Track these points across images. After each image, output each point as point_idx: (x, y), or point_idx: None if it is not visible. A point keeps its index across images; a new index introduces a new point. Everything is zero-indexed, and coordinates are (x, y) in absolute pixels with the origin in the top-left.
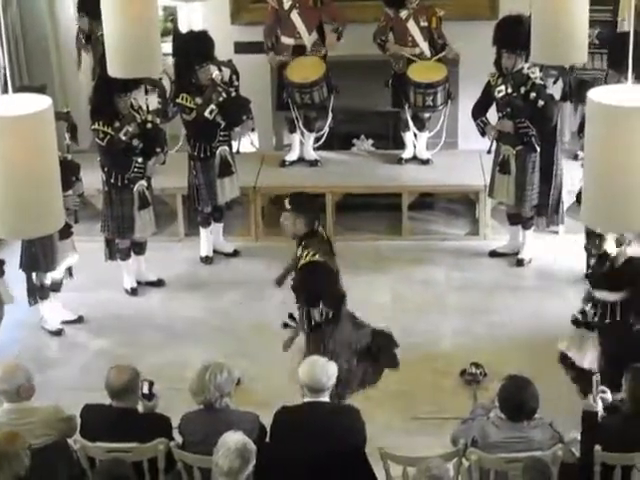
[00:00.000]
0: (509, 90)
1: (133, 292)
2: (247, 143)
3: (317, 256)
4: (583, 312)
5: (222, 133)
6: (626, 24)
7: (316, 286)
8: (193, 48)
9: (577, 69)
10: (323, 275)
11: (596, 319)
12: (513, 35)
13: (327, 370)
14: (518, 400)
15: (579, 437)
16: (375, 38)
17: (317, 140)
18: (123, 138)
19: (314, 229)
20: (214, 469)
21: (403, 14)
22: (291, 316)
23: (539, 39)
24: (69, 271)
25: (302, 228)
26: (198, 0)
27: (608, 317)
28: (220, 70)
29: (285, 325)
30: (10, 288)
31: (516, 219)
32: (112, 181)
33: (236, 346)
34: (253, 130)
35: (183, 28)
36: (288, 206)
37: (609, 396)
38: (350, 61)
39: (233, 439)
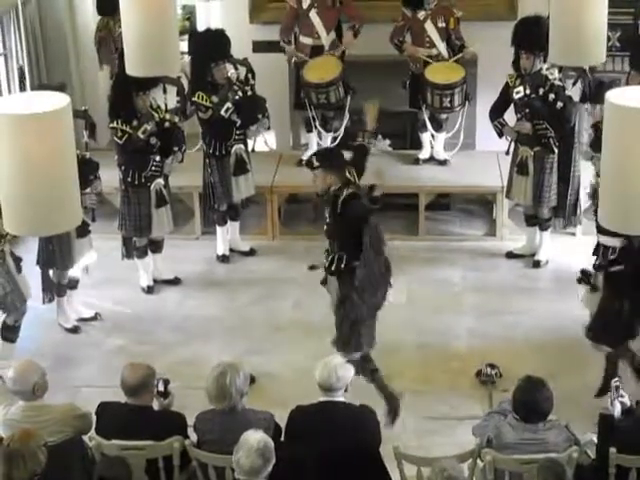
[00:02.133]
0: (527, 91)
1: (149, 290)
2: (261, 143)
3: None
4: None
5: (238, 132)
6: None
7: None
8: (209, 46)
9: (597, 70)
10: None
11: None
12: (532, 36)
13: (337, 371)
14: (531, 401)
15: (594, 439)
16: (392, 39)
17: (334, 140)
18: (141, 137)
19: (348, 179)
20: (235, 468)
21: (421, 15)
22: (312, 266)
23: (558, 40)
24: (87, 269)
25: (335, 181)
26: None
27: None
28: (236, 69)
29: (311, 267)
30: (28, 284)
31: (533, 220)
32: (129, 179)
33: (251, 345)
34: (269, 129)
35: (201, 27)
36: (316, 163)
37: (627, 400)
38: (367, 61)
39: (255, 438)
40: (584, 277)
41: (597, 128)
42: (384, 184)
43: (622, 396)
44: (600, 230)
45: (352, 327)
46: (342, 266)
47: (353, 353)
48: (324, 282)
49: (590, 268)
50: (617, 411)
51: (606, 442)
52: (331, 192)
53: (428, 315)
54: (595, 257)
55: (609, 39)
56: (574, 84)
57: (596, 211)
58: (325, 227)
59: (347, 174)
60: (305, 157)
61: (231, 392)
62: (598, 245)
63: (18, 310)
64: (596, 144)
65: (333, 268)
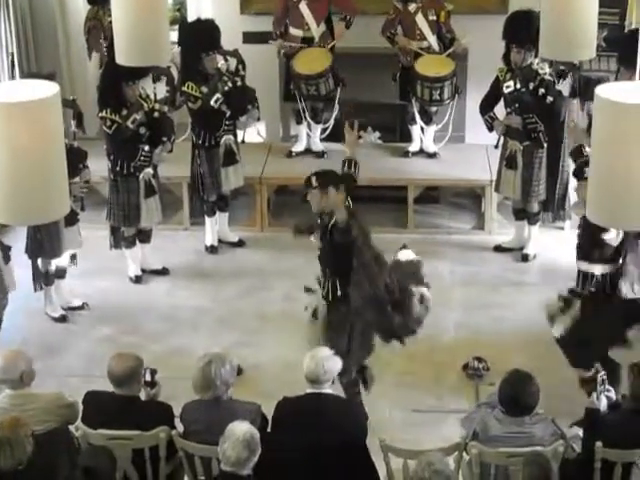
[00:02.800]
0: (517, 85)
1: (137, 280)
2: (254, 133)
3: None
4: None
5: (227, 122)
6: (634, 26)
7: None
8: (199, 37)
9: (585, 70)
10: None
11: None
12: (523, 30)
13: (324, 363)
14: (515, 395)
15: (580, 433)
16: (384, 32)
17: (323, 131)
18: (130, 126)
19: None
20: (221, 459)
21: (412, 7)
22: (308, 289)
23: (548, 34)
24: (74, 259)
25: (330, 204)
26: None
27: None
28: (226, 60)
29: (307, 290)
30: (13, 274)
31: (522, 214)
32: (118, 169)
33: (239, 336)
34: (259, 120)
35: (192, 17)
36: (315, 184)
37: (613, 395)
38: (357, 53)
39: (241, 429)
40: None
41: (579, 153)
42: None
43: (608, 390)
44: (579, 256)
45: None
46: (338, 293)
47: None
48: (315, 316)
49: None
50: (603, 405)
51: (592, 436)
52: (323, 216)
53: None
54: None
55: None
56: (561, 78)
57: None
58: (318, 252)
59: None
60: (295, 149)
61: (216, 382)
62: (578, 272)
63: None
64: (580, 171)
65: (330, 297)
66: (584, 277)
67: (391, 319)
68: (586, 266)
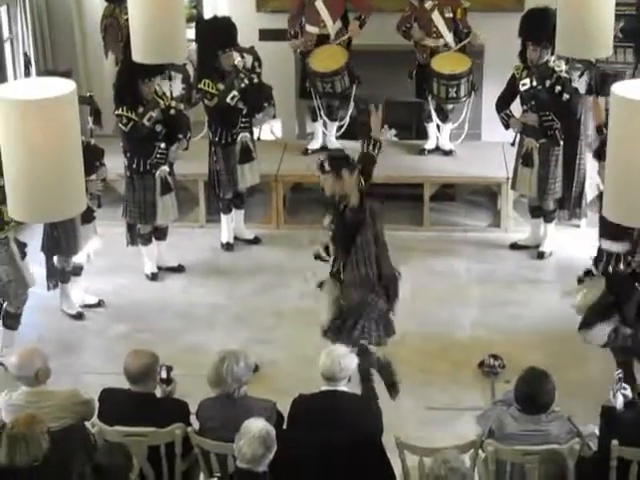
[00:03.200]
0: (534, 83)
1: (153, 277)
2: (267, 131)
3: None
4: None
5: (243, 119)
6: None
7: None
8: (216, 34)
9: (601, 62)
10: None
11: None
12: (539, 28)
13: (340, 361)
14: (531, 393)
15: (596, 431)
16: (399, 27)
17: (339, 129)
18: (146, 124)
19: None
20: (237, 456)
21: (428, 5)
22: (318, 256)
23: (565, 32)
24: (89, 257)
25: (343, 188)
26: None
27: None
28: (242, 57)
29: (317, 257)
30: (31, 271)
31: (538, 212)
32: (134, 166)
33: (255, 333)
34: (274, 117)
35: (208, 14)
36: (328, 168)
37: (629, 393)
38: (374, 51)
39: (257, 426)
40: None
41: (600, 130)
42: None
43: (624, 388)
44: (603, 235)
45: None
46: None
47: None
48: (320, 286)
49: (593, 270)
50: (619, 403)
51: (608, 434)
52: (337, 199)
53: (432, 306)
54: (596, 263)
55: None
56: (580, 76)
57: (602, 217)
58: (330, 232)
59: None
60: (310, 146)
61: (227, 379)
62: (600, 250)
63: (20, 298)
64: (602, 151)
65: (340, 276)
66: (607, 255)
67: (375, 303)
68: (609, 244)
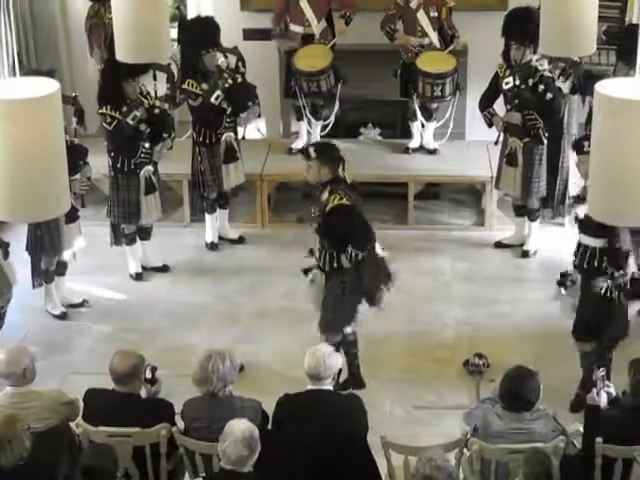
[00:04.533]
0: (517, 82)
1: (138, 277)
2: (254, 130)
3: (345, 200)
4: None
5: (228, 119)
6: (634, 19)
7: (344, 228)
8: (199, 34)
9: (585, 63)
10: (351, 217)
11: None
12: (522, 27)
13: (325, 360)
14: (514, 390)
15: (581, 429)
16: (383, 26)
17: (323, 128)
18: (130, 123)
19: (339, 175)
20: (221, 457)
21: (413, 4)
22: (310, 251)
23: (547, 31)
24: (74, 255)
25: (327, 174)
26: None
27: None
28: (226, 57)
29: (305, 272)
30: (14, 270)
31: (522, 210)
32: (119, 166)
33: (240, 333)
34: (259, 116)
35: (192, 14)
36: (313, 154)
37: (613, 390)
38: (358, 50)
39: (240, 428)
40: (563, 279)
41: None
42: None
43: (608, 386)
44: (581, 229)
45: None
46: (334, 264)
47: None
48: (306, 272)
49: (569, 269)
50: (603, 401)
51: (592, 432)
52: (320, 190)
53: (417, 304)
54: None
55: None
56: (562, 75)
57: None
58: (315, 225)
59: (340, 172)
60: (295, 145)
61: (212, 377)
62: (579, 245)
63: (3, 297)
64: (579, 145)
65: (327, 267)
66: (584, 249)
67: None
68: (587, 240)
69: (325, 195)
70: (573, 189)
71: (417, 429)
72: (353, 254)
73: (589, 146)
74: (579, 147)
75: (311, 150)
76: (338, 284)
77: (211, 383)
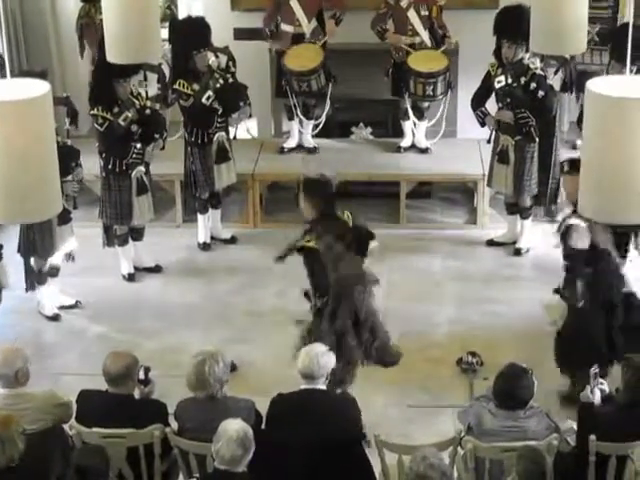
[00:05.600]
0: (509, 80)
1: (130, 278)
2: (243, 131)
3: (313, 242)
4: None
5: (219, 119)
6: (626, 19)
7: (308, 271)
8: (190, 35)
9: (578, 63)
10: (312, 264)
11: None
12: (514, 25)
13: (319, 359)
14: (508, 388)
15: (575, 427)
16: (373, 26)
17: (315, 127)
18: (122, 124)
19: (325, 213)
20: (215, 458)
21: (404, 2)
22: (306, 294)
23: (539, 29)
24: (70, 256)
25: (311, 212)
26: None
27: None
28: (217, 57)
29: (306, 294)
30: (7, 273)
31: (514, 209)
32: (110, 167)
33: (233, 333)
34: (250, 116)
35: (183, 14)
36: (302, 188)
37: (606, 388)
38: (349, 49)
39: (234, 428)
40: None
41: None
42: None
43: (601, 383)
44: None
45: None
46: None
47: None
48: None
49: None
50: (597, 399)
51: (586, 430)
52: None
53: (409, 303)
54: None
55: (588, 33)
56: (555, 73)
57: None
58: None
59: (329, 210)
60: (287, 145)
61: (210, 381)
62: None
63: None
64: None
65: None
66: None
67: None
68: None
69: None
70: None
71: (411, 428)
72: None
73: (569, 167)
74: (561, 167)
75: (301, 185)
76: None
77: (209, 387)
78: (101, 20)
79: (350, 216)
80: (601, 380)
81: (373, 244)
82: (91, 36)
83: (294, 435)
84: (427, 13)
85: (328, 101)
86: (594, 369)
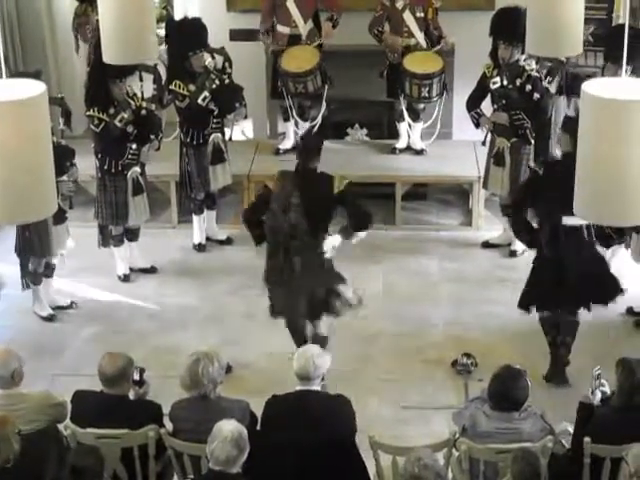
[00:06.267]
0: (504, 82)
1: (125, 279)
2: (239, 132)
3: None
4: None
5: (215, 120)
6: (621, 20)
7: None
8: (186, 36)
9: (572, 65)
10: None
11: None
12: (510, 26)
13: (315, 360)
14: (503, 390)
15: (570, 429)
16: (371, 29)
17: (311, 129)
18: (118, 125)
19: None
20: (210, 458)
21: (399, 4)
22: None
23: (534, 31)
24: (62, 255)
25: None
26: None
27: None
28: (213, 57)
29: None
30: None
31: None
32: (106, 167)
33: (228, 334)
34: (246, 117)
35: (179, 15)
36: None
37: (608, 389)
38: (345, 50)
39: (228, 429)
40: None
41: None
42: None
43: (603, 385)
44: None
45: None
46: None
47: None
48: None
49: None
50: (597, 400)
51: (583, 431)
52: None
53: (404, 304)
54: None
55: (583, 34)
56: (549, 75)
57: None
58: None
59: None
60: (282, 146)
61: (203, 381)
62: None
63: None
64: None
65: None
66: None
67: None
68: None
69: None
70: None
71: (405, 429)
72: None
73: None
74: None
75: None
76: None
77: (202, 386)
78: (97, 20)
79: (342, 185)
80: (603, 382)
81: (362, 234)
82: (86, 36)
83: (289, 436)
84: (423, 15)
85: (324, 102)
86: (596, 370)
